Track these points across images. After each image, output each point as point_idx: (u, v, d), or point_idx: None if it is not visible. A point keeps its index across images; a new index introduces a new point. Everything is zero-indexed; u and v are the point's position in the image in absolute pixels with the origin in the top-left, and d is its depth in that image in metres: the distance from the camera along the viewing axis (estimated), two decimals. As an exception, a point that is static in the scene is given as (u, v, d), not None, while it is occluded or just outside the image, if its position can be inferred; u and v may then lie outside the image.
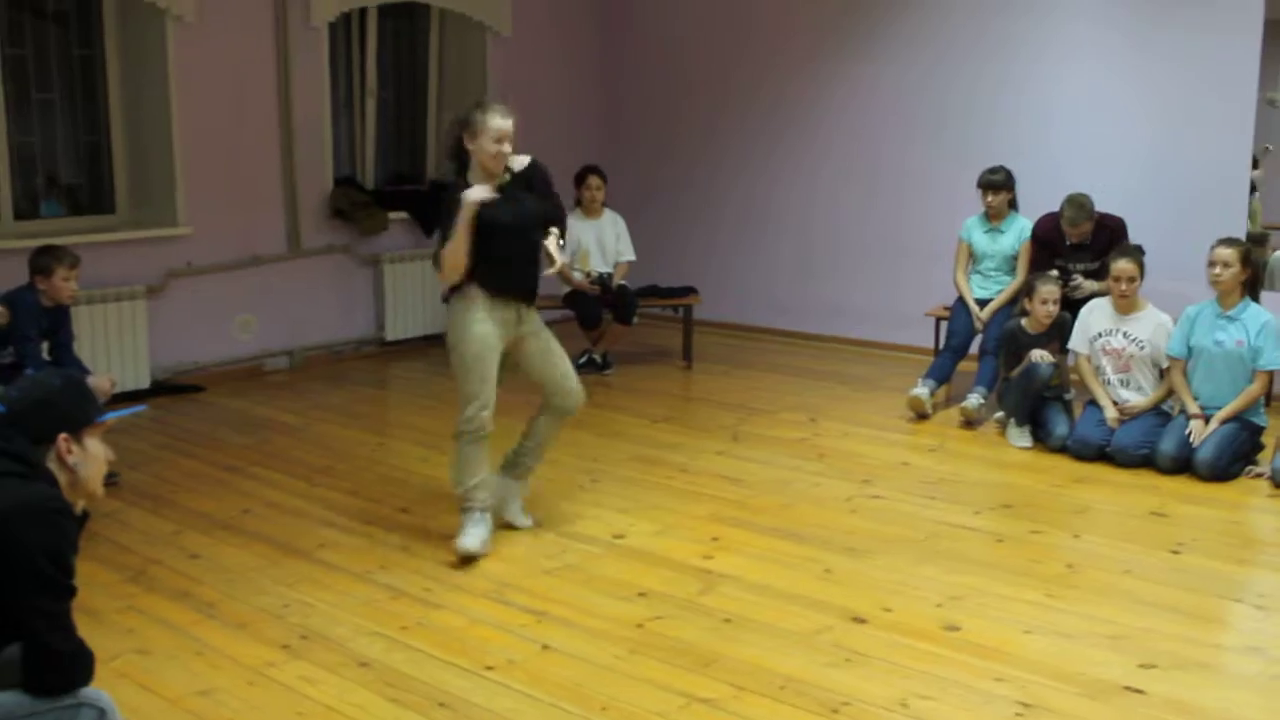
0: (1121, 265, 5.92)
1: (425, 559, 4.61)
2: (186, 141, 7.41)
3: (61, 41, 7.32)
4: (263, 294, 7.93)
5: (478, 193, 4.40)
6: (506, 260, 4.56)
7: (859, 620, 4.02)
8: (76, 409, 2.52)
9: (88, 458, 2.48)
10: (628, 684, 3.57)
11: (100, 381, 5.35)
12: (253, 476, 5.67)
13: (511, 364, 4.75)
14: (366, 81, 8.68)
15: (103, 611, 4.10)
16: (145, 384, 7.25)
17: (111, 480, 5.41)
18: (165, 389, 7.34)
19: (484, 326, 4.54)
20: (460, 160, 4.60)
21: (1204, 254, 6.14)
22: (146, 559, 4.61)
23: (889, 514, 5.12)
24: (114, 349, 7.09)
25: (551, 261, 4.59)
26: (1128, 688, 3.54)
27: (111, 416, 2.63)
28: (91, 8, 7.36)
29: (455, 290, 4.56)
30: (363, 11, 8.53)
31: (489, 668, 3.68)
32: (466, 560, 4.51)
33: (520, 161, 4.63)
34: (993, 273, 7.05)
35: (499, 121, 4.44)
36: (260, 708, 3.45)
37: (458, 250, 4.45)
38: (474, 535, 4.56)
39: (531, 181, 4.65)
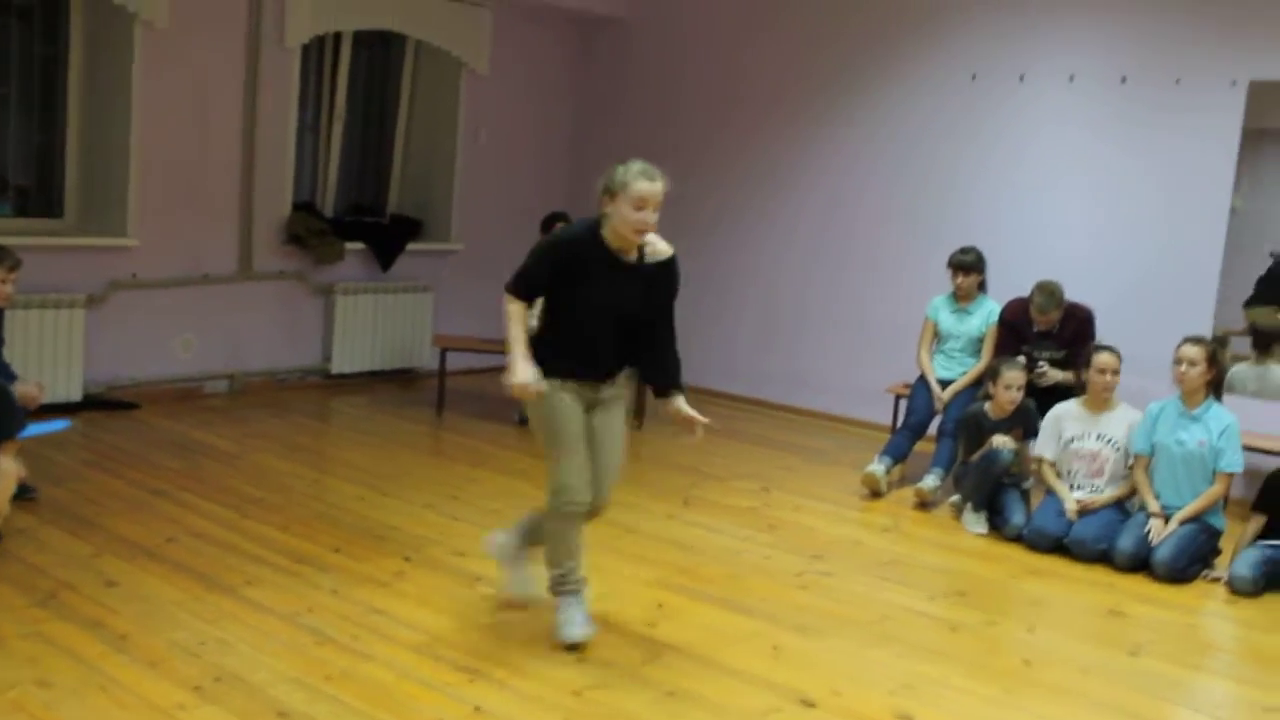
0: (1105, 358, 5.84)
1: (355, 604, 4.36)
2: (144, 151, 7.19)
3: (24, 37, 7.08)
4: (208, 314, 7.68)
5: (525, 376, 3.88)
6: (592, 345, 4.03)
7: (808, 704, 3.83)
8: None
9: None
10: (563, 756, 3.36)
11: (28, 389, 5.08)
12: (181, 503, 5.41)
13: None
14: (335, 108, 8.49)
15: (6, 636, 3.82)
16: (77, 397, 6.96)
17: (28, 495, 5.13)
18: (98, 404, 7.06)
19: (565, 397, 4.01)
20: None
21: (1169, 352, 6.11)
22: (59, 582, 4.33)
23: (840, 593, 4.95)
24: (47, 357, 6.81)
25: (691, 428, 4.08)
26: (1086, 797, 3.37)
27: (32, 432, 2.39)
28: (59, 6, 7.14)
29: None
30: (337, 36, 8.37)
31: (416, 727, 3.45)
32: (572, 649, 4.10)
33: (662, 250, 4.08)
34: (957, 354, 6.96)
35: (645, 186, 3.87)
36: (165, 755, 3.20)
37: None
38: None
39: (668, 282, 4.11)
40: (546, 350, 3.99)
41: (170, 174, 7.34)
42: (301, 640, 4.01)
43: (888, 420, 7.45)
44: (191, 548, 4.82)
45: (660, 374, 4.19)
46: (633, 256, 4.02)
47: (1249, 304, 7.03)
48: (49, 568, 4.46)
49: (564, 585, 4.15)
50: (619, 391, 4.17)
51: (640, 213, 3.88)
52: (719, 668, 4.05)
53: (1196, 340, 5.72)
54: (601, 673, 3.94)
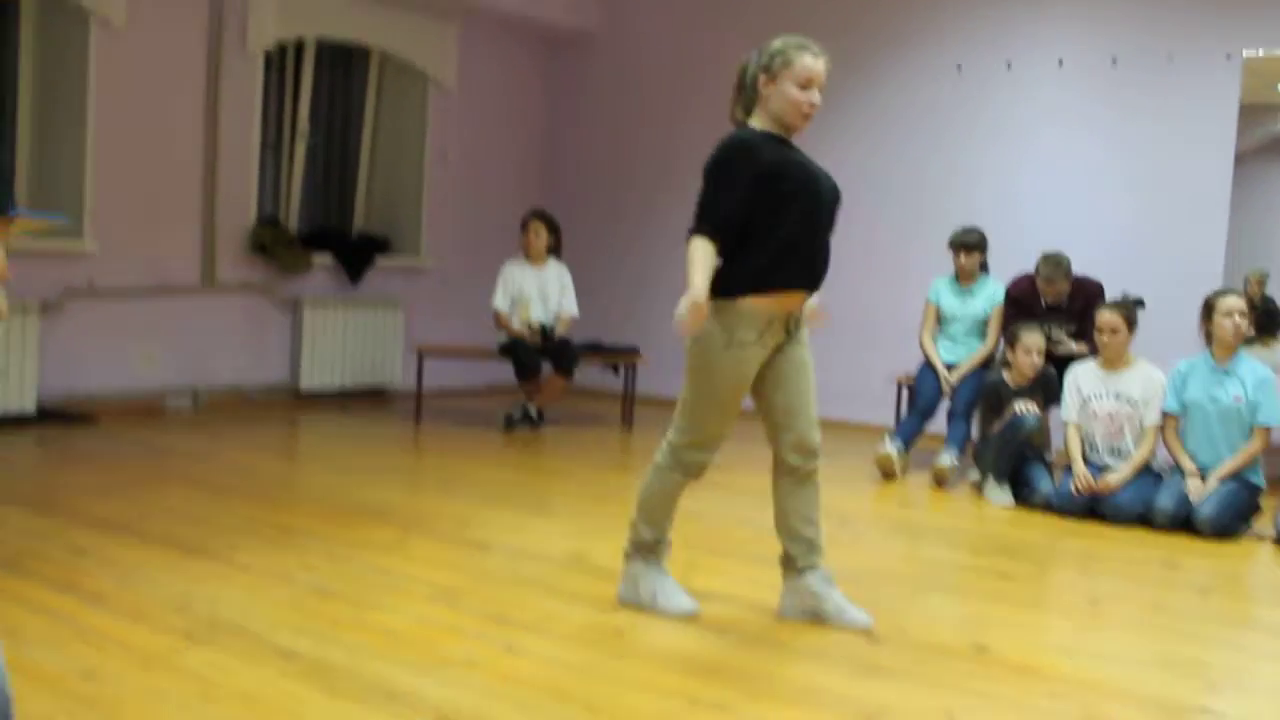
0: (1104, 316, 5.57)
1: (357, 564, 3.94)
2: (100, 154, 6.79)
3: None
4: (170, 326, 7.24)
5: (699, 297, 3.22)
6: (811, 242, 3.44)
7: (874, 639, 3.44)
8: None
9: None
10: (617, 686, 2.94)
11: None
12: (151, 489, 4.95)
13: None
14: (298, 124, 8.14)
15: (-39, 597, 3.36)
16: (31, 409, 6.47)
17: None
18: (53, 416, 6.57)
19: (752, 355, 3.42)
20: (746, 106, 3.49)
21: (1178, 320, 5.89)
22: (20, 551, 3.87)
23: (878, 550, 4.59)
24: (-2, 365, 6.34)
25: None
26: (1204, 708, 3.01)
27: (27, 214, 1.96)
28: (6, 8, 6.75)
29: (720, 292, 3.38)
30: (299, 48, 8.06)
31: (446, 664, 3.02)
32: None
33: None
34: (961, 336, 6.67)
35: (810, 61, 3.39)
36: (158, 691, 2.75)
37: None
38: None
39: None
40: (750, 266, 3.35)
41: (129, 179, 6.95)
42: (301, 594, 3.57)
43: (891, 421, 7.13)
44: (167, 522, 4.37)
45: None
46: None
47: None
48: (7, 539, 4.01)
49: (656, 551, 3.61)
50: (805, 331, 3.61)
51: (808, 91, 3.38)
52: (768, 610, 3.67)
53: (1237, 291, 5.49)
54: (644, 616, 3.53)
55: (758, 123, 3.47)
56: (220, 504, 4.72)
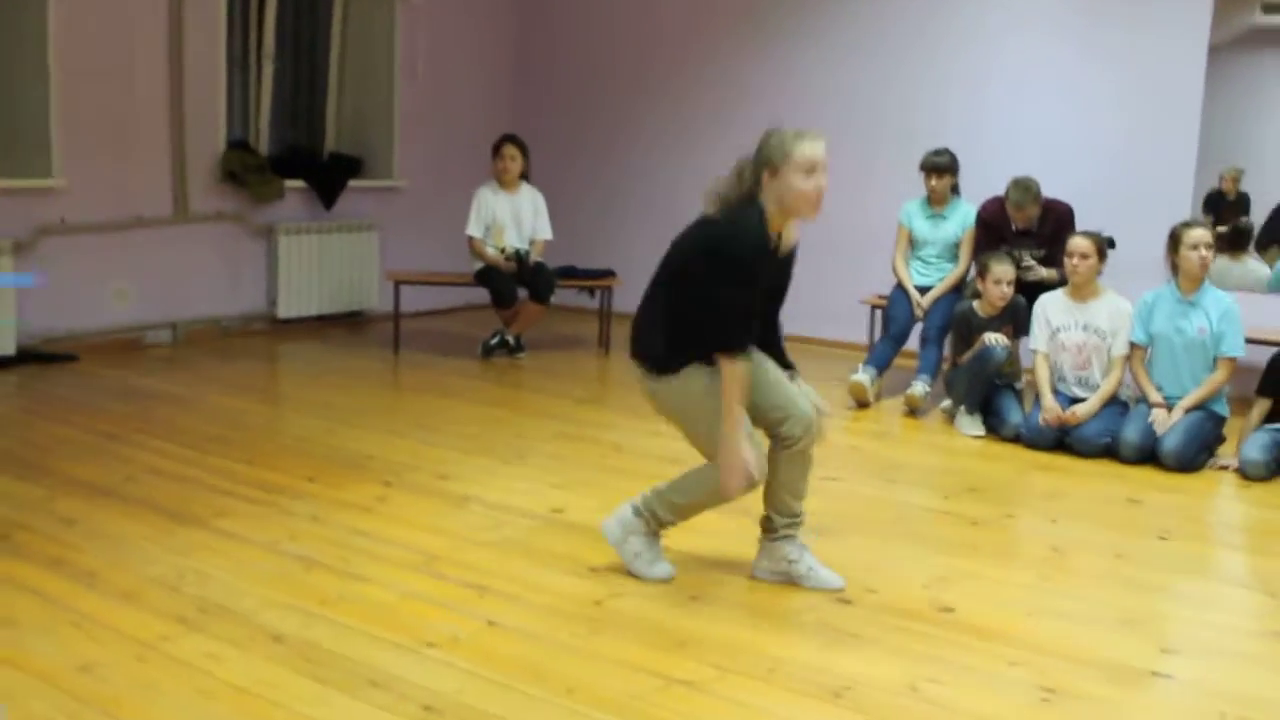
0: (1076, 241, 5.62)
1: (339, 528, 4.03)
2: (64, 86, 6.69)
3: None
4: (144, 259, 7.23)
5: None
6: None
7: (844, 601, 3.57)
8: None
9: None
10: (593, 664, 3.07)
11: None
12: (135, 444, 5.01)
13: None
14: (264, 43, 8.02)
15: (-45, 579, 3.45)
16: (10, 350, 6.49)
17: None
18: (34, 357, 6.59)
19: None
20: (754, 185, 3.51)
21: (1147, 245, 5.94)
22: (11, 524, 3.94)
23: (850, 496, 4.70)
24: (-26, 308, 6.34)
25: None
26: (1155, 673, 3.15)
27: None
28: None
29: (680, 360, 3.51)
30: (263, -33, 7.91)
31: (429, 644, 3.13)
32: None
33: (794, 238, 3.64)
34: (934, 260, 6.73)
35: (809, 148, 3.43)
36: (153, 686, 2.85)
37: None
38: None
39: (790, 269, 3.70)
40: (692, 344, 3.49)
41: (94, 109, 6.86)
42: (287, 567, 3.67)
43: (863, 339, 7.21)
44: (152, 485, 4.45)
45: (776, 355, 3.76)
46: (774, 243, 3.52)
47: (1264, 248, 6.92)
48: (-2, 510, 4.09)
49: (663, 527, 3.73)
50: None
51: (813, 178, 3.42)
52: (741, 570, 3.79)
53: (1202, 224, 5.54)
54: (618, 582, 3.65)
55: (767, 203, 3.47)
56: (203, 460, 4.79)
